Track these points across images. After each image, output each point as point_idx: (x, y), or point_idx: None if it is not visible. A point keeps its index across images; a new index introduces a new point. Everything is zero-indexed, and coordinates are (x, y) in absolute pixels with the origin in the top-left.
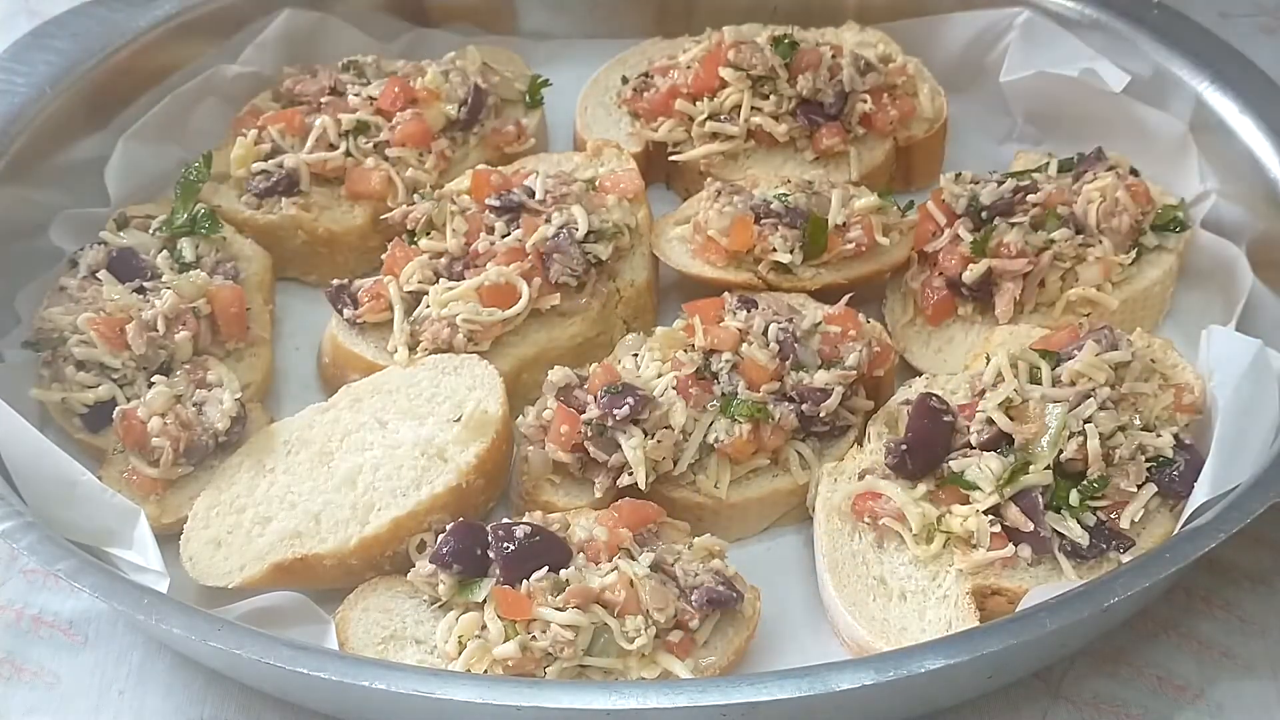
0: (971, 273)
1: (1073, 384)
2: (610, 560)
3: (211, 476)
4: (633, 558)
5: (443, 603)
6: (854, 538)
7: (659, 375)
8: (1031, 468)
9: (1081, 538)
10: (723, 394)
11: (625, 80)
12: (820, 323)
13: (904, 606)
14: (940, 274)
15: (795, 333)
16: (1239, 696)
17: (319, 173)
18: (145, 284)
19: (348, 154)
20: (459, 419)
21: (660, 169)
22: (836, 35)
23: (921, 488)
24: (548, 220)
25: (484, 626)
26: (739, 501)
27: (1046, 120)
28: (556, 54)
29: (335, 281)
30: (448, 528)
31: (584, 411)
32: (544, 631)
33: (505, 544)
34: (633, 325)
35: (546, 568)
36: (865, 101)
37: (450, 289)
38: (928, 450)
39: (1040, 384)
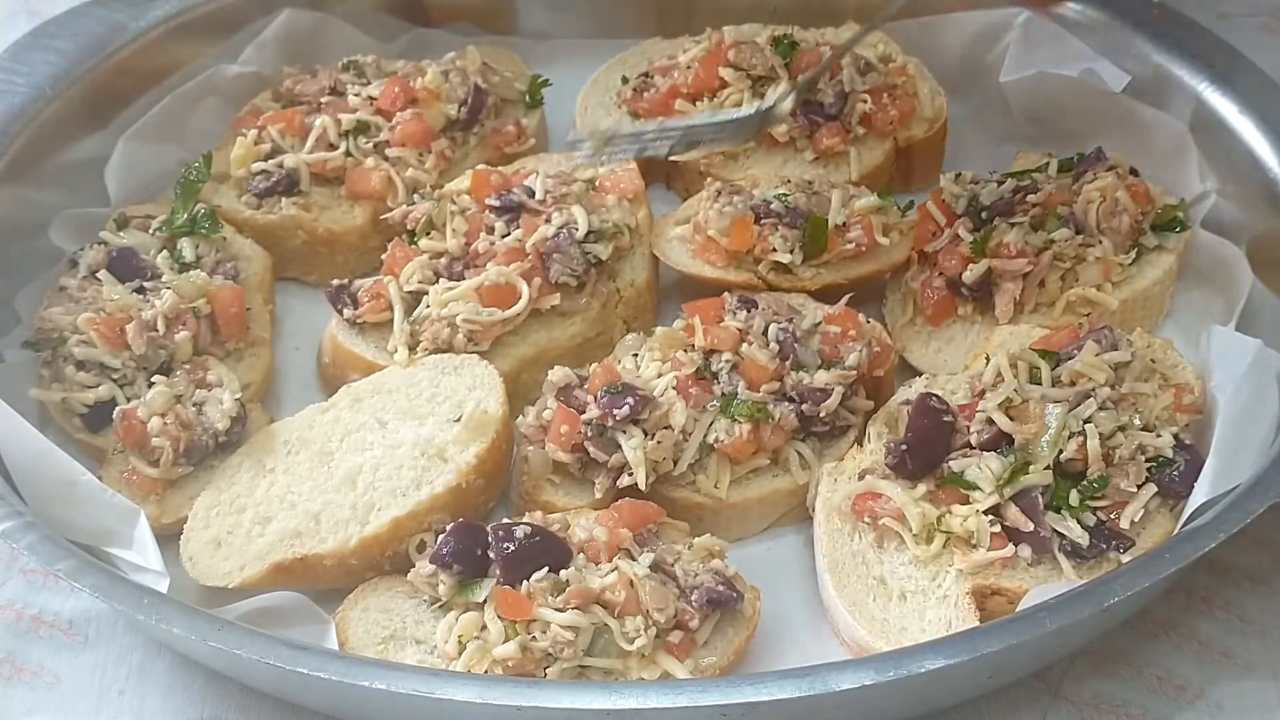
0: (971, 273)
1: (1073, 384)
2: (610, 560)
3: (211, 476)
4: (633, 558)
5: (443, 603)
6: (854, 538)
7: (659, 375)
8: (1031, 468)
9: (1081, 538)
10: (723, 394)
11: (625, 80)
12: (820, 323)
13: (904, 606)
14: (940, 274)
15: (795, 333)
16: (1239, 696)
17: (319, 173)
18: (145, 284)
19: (348, 154)
20: (459, 419)
21: (660, 169)
22: (836, 35)
23: (921, 488)
24: (548, 220)
25: (484, 627)
26: (739, 501)
27: (1046, 120)
28: (556, 54)
29: (335, 281)
30: (448, 528)
31: (584, 411)
32: (544, 632)
33: (505, 544)
34: (633, 325)
35: (546, 568)
36: (865, 101)
37: (450, 289)
38: (928, 450)
39: (1040, 384)
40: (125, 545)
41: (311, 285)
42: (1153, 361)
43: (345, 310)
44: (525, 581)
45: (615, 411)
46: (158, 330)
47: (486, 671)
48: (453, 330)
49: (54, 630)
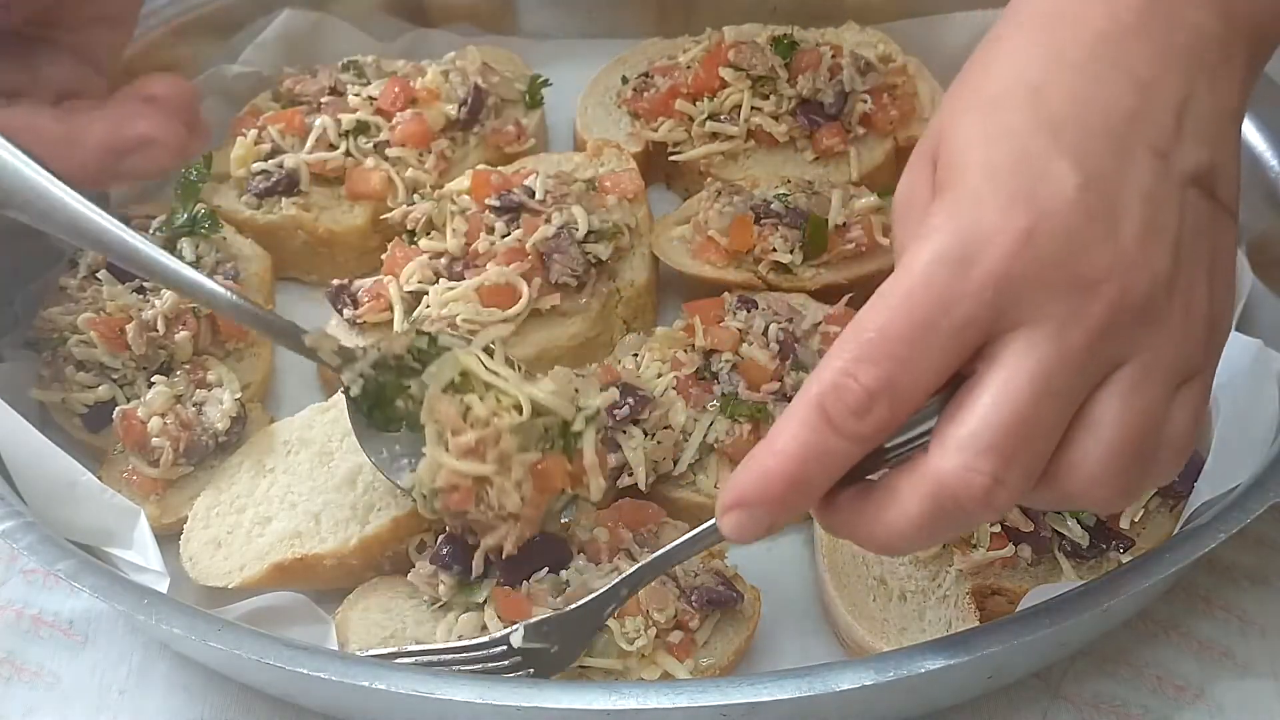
0: None
1: None
2: (610, 560)
3: (211, 476)
4: (633, 558)
5: (443, 603)
6: None
7: (659, 375)
8: None
9: (1081, 538)
10: (723, 394)
11: (625, 80)
12: (820, 323)
13: (904, 607)
14: None
15: (795, 333)
16: (1239, 696)
17: (319, 173)
18: (145, 284)
19: (348, 154)
20: None
21: (660, 169)
22: (836, 35)
23: None
24: (548, 220)
25: (484, 627)
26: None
27: None
28: (556, 54)
29: (335, 281)
30: (447, 528)
31: None
32: None
33: None
34: (633, 325)
35: (547, 568)
36: (865, 101)
37: (450, 289)
38: None
39: None
40: (125, 545)
41: (311, 285)
42: None
43: (345, 310)
44: (525, 582)
45: (615, 412)
46: (158, 330)
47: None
48: (453, 330)
49: (54, 630)
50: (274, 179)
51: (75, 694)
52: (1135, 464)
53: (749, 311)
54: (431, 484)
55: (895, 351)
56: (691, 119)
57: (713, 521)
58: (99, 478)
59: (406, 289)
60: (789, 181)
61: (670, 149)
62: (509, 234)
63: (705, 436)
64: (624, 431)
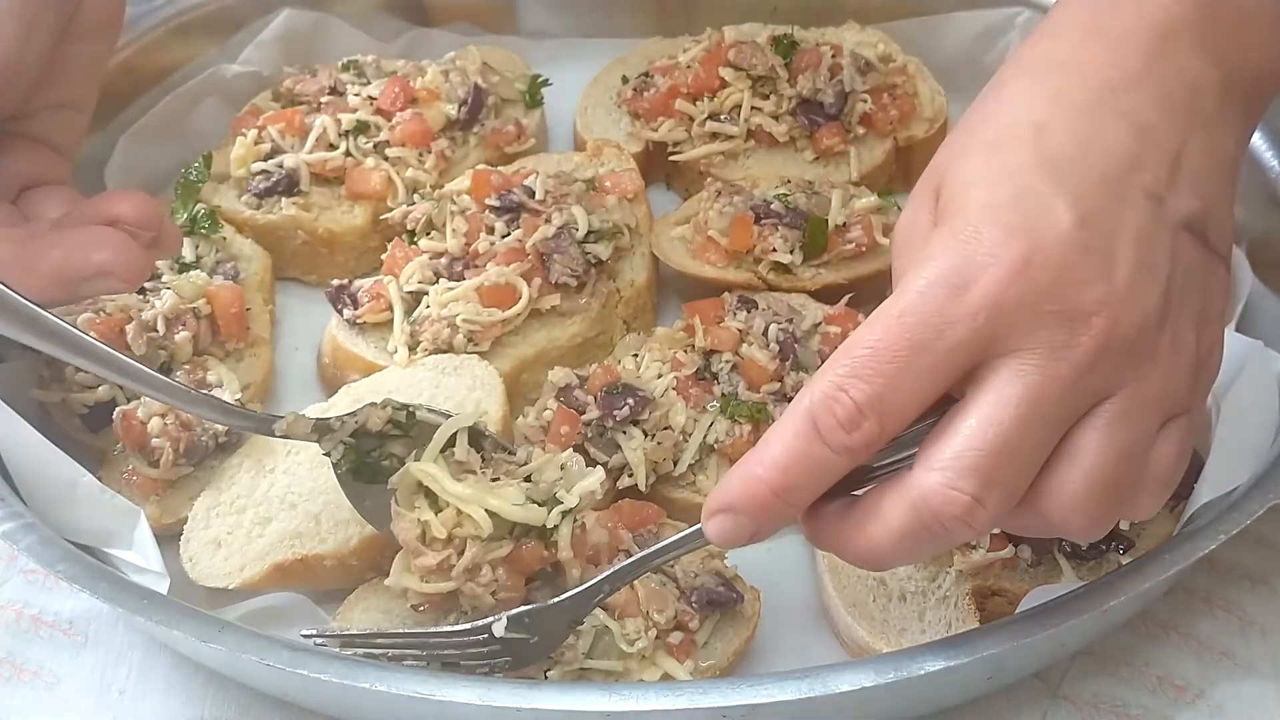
0: None
1: None
2: (610, 562)
3: (211, 477)
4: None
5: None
6: None
7: (659, 376)
8: None
9: None
10: (723, 394)
11: (625, 80)
12: (820, 323)
13: (904, 607)
14: None
15: (795, 333)
16: (1239, 696)
17: (319, 173)
18: (145, 284)
19: (348, 154)
20: None
21: (660, 169)
22: (836, 35)
23: None
24: (548, 220)
25: None
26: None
27: None
28: (556, 54)
29: (335, 281)
30: None
31: (584, 412)
32: None
33: None
34: (633, 325)
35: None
36: (865, 101)
37: (450, 289)
38: None
39: None
40: (125, 546)
41: (311, 285)
42: None
43: (345, 310)
44: (524, 586)
45: (615, 412)
46: (157, 330)
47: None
48: (453, 330)
49: (54, 630)
50: (274, 179)
51: (75, 694)
52: (1114, 495)
53: (749, 312)
54: (404, 596)
55: (887, 369)
56: (691, 119)
57: (699, 525)
58: (99, 478)
59: (406, 289)
60: (789, 181)
61: (670, 149)
62: (509, 234)
63: (705, 437)
64: (624, 432)
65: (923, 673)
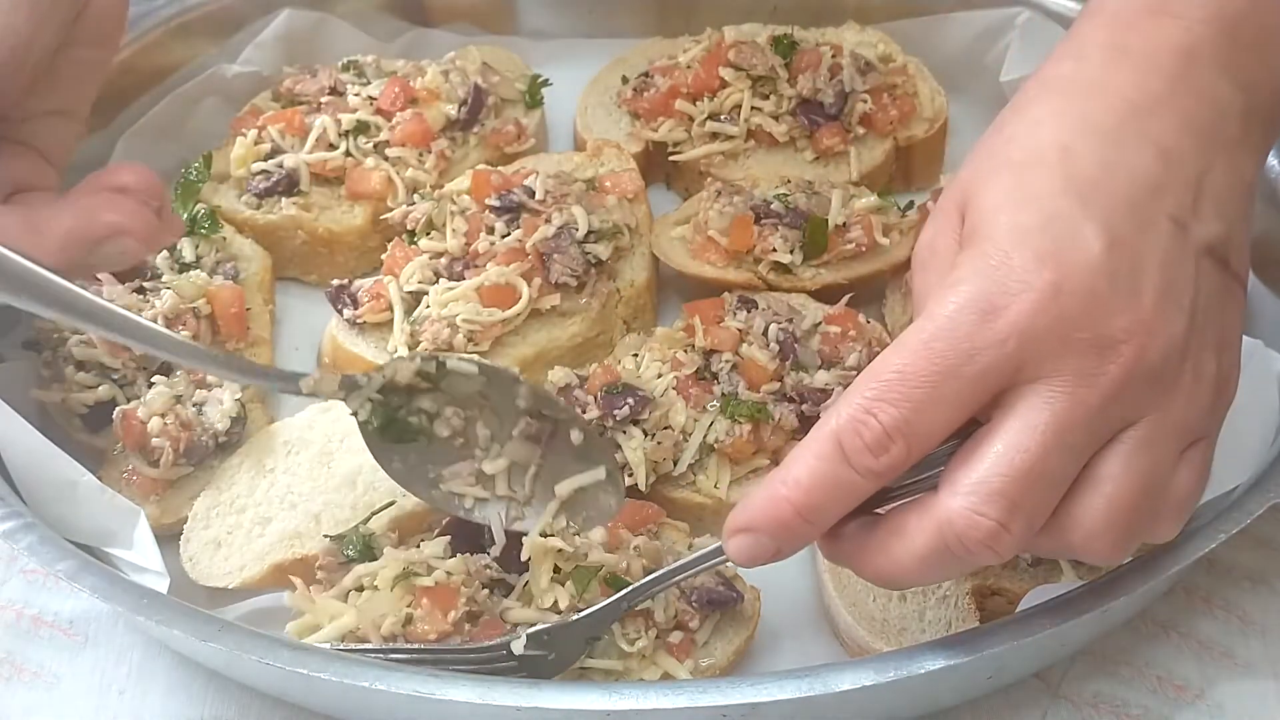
0: None
1: None
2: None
3: (211, 477)
4: (633, 558)
5: None
6: None
7: (659, 375)
8: None
9: None
10: (723, 394)
11: (625, 80)
12: (820, 323)
13: (904, 607)
14: None
15: (795, 333)
16: (1239, 696)
17: (319, 173)
18: (145, 284)
19: (348, 154)
20: None
21: (660, 169)
22: (836, 35)
23: None
24: (548, 220)
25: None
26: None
27: None
28: (556, 54)
29: (335, 281)
30: (443, 524)
31: (584, 412)
32: None
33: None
34: (633, 325)
35: None
36: (865, 101)
37: (450, 289)
38: None
39: None
40: (125, 545)
41: (311, 285)
42: None
43: (345, 310)
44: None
45: (615, 412)
46: None
47: None
48: (453, 330)
49: (54, 630)
50: (274, 179)
51: (75, 694)
52: (1136, 521)
53: (749, 311)
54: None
55: (915, 394)
56: (691, 119)
57: (719, 543)
58: (99, 478)
59: (406, 289)
60: (789, 181)
61: (670, 149)
62: (509, 234)
63: (705, 437)
64: (624, 432)
65: (923, 672)
